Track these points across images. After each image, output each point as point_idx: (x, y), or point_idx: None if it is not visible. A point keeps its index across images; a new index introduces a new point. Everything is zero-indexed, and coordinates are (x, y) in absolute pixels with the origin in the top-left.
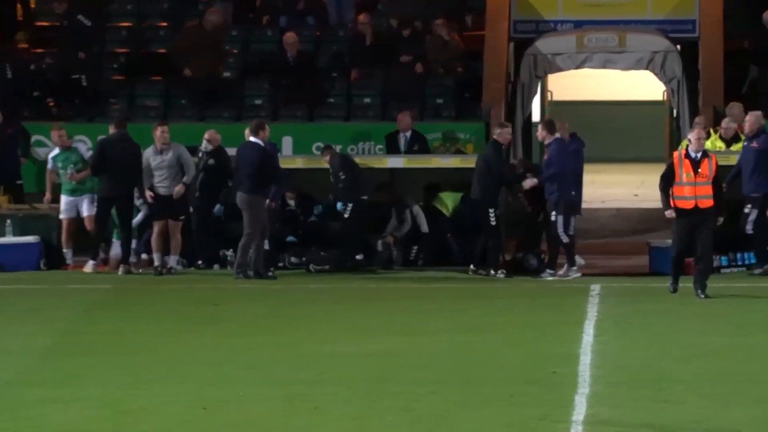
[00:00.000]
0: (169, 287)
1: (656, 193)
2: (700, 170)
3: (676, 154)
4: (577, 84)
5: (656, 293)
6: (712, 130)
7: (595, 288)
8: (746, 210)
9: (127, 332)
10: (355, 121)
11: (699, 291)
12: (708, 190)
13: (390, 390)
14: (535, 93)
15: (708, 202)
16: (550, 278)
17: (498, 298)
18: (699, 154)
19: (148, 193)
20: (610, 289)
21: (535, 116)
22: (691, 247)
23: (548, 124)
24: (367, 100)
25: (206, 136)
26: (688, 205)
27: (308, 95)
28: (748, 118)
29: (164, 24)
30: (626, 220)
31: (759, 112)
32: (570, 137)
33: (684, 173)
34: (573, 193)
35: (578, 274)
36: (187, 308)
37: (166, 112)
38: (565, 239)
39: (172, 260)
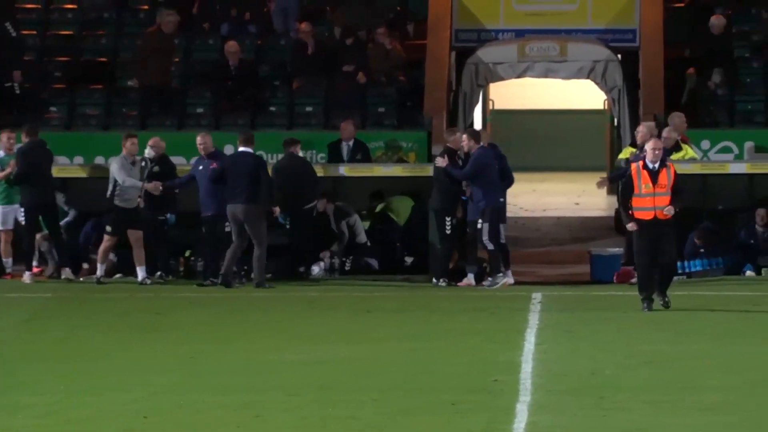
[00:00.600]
0: (111, 296)
1: (597, 202)
2: (658, 181)
3: (633, 166)
4: (518, 93)
5: (597, 301)
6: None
7: (537, 296)
8: None
9: (71, 341)
10: (298, 130)
11: (661, 300)
12: (667, 200)
13: (334, 398)
14: (477, 102)
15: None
16: (488, 286)
17: (441, 307)
18: (657, 165)
19: (155, 185)
20: (551, 297)
21: (477, 125)
22: (653, 258)
23: (473, 134)
24: (309, 108)
25: (150, 143)
26: (648, 216)
27: (250, 104)
28: (639, 128)
29: (103, 33)
30: (567, 229)
31: (652, 123)
32: (489, 147)
33: (642, 184)
34: (501, 200)
35: (509, 282)
36: (130, 317)
37: (108, 121)
38: (490, 246)
39: (141, 272)
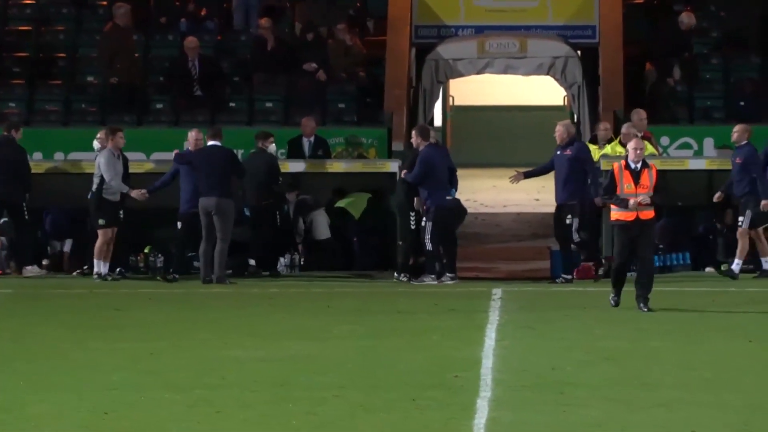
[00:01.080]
0: (69, 292)
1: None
2: (640, 181)
3: (616, 165)
4: (478, 89)
5: (558, 297)
6: (613, 135)
7: (497, 292)
8: (567, 221)
9: (28, 337)
10: (258, 126)
11: (641, 304)
12: (649, 200)
13: (294, 394)
14: (437, 98)
15: (649, 214)
16: (450, 282)
17: (401, 303)
18: (639, 165)
19: (140, 192)
20: (511, 293)
21: (437, 121)
22: (630, 258)
23: (422, 130)
24: (269, 104)
25: (99, 135)
26: (630, 216)
27: (210, 100)
28: (558, 127)
29: (62, 28)
30: (527, 225)
31: (567, 121)
32: (435, 146)
33: (624, 184)
34: (448, 198)
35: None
36: (88, 313)
37: (67, 117)
38: (428, 246)
39: (105, 267)
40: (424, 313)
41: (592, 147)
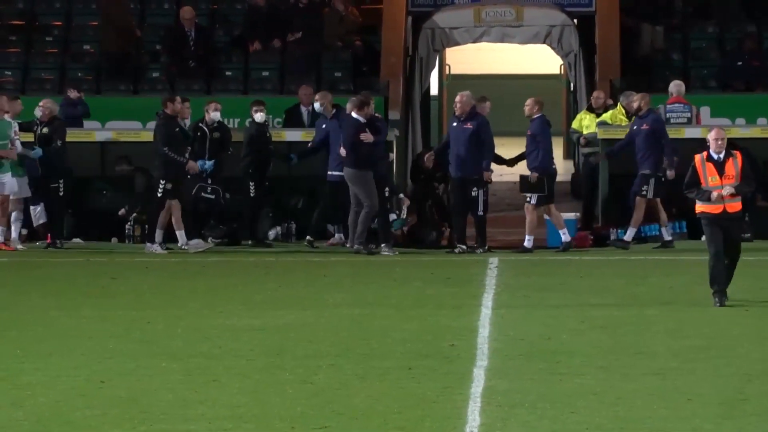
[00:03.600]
0: (66, 260)
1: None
2: (725, 172)
3: (697, 157)
4: (474, 58)
5: (553, 266)
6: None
7: (493, 261)
8: (473, 194)
9: (22, 306)
10: (253, 95)
11: (716, 297)
12: (733, 191)
13: (289, 363)
14: (433, 67)
15: (737, 206)
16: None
17: (396, 272)
18: (722, 155)
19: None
20: (507, 262)
21: (434, 90)
22: (723, 250)
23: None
24: (265, 73)
25: (41, 103)
26: (716, 210)
27: (205, 69)
28: (458, 97)
29: None
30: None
31: (468, 92)
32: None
33: (709, 177)
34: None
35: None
36: (83, 282)
37: (62, 85)
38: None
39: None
40: (419, 281)
41: (588, 115)
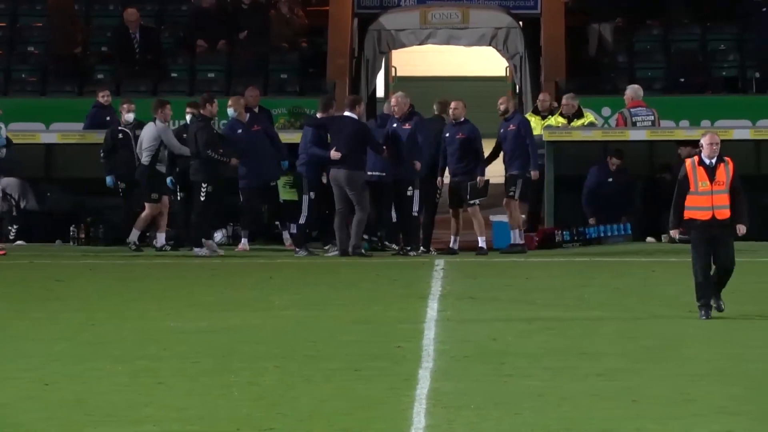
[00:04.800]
0: (11, 263)
1: (499, 169)
2: (716, 178)
3: (688, 161)
4: (421, 60)
5: (499, 268)
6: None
7: (439, 263)
8: (408, 193)
9: None
10: (200, 96)
11: (714, 303)
12: (725, 199)
13: (235, 365)
14: (380, 69)
15: (725, 213)
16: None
17: (343, 274)
18: (713, 161)
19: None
20: (453, 263)
21: (380, 92)
22: (710, 260)
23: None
24: (211, 75)
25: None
26: (705, 216)
27: (152, 70)
28: (393, 99)
29: None
30: None
31: (401, 93)
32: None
33: (699, 182)
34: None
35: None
36: (29, 284)
37: (7, 87)
38: (303, 220)
39: (163, 238)
40: (366, 283)
41: (533, 118)
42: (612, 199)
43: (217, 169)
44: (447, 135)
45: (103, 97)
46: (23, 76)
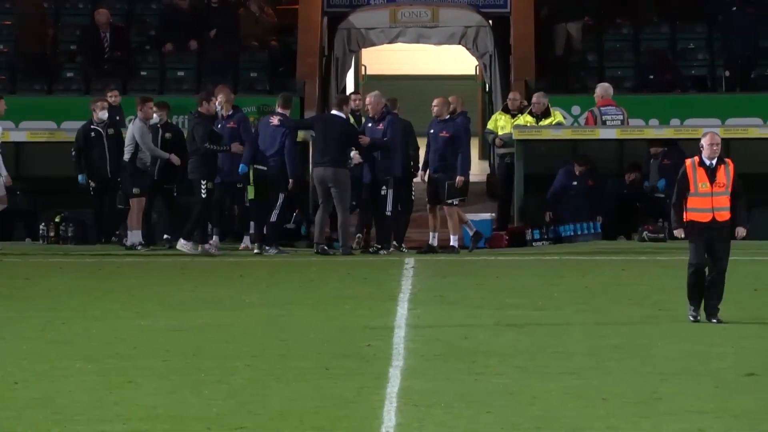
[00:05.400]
0: None
1: (481, 168)
2: (716, 179)
3: (688, 162)
4: (391, 58)
5: (469, 267)
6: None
7: (410, 261)
8: (382, 192)
9: None
10: (169, 95)
11: (710, 316)
12: (725, 201)
13: (205, 364)
14: (350, 67)
15: (725, 215)
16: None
17: (313, 272)
18: (714, 162)
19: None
20: (424, 262)
21: (350, 90)
22: (704, 261)
23: (285, 100)
24: (180, 73)
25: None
26: (705, 218)
27: (121, 69)
28: (369, 98)
29: None
30: None
31: (378, 92)
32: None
33: (699, 183)
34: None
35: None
36: None
37: None
38: (274, 218)
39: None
40: (336, 282)
41: (503, 116)
42: (577, 202)
43: (215, 165)
44: (431, 131)
45: (111, 96)
46: None
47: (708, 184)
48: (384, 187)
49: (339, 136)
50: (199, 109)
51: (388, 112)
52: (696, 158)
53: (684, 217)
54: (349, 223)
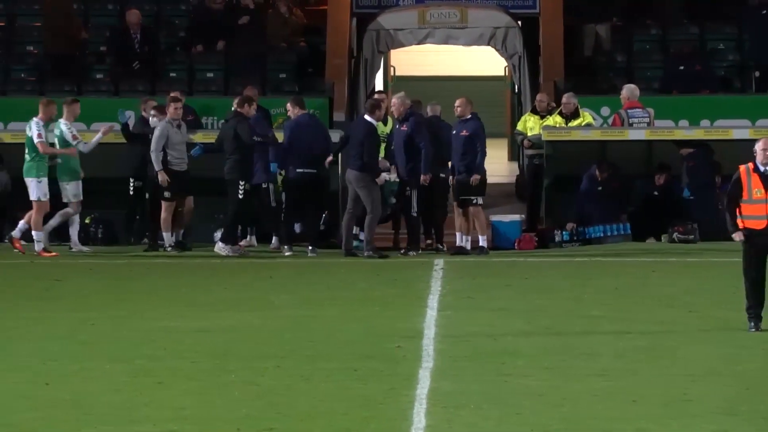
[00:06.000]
0: (9, 262)
1: (498, 168)
2: None
3: (742, 168)
4: (419, 59)
5: (498, 268)
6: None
7: (439, 263)
8: (407, 193)
9: None
10: (198, 96)
11: (751, 321)
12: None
13: (234, 365)
14: (378, 68)
15: None
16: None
17: (341, 273)
18: None
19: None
20: (453, 263)
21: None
22: (762, 271)
23: (297, 101)
24: (209, 74)
25: (152, 110)
26: (760, 225)
27: (150, 70)
28: (394, 100)
29: None
30: None
31: (402, 94)
32: (307, 115)
33: (754, 189)
34: (299, 171)
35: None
36: (28, 283)
37: (5, 86)
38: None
39: (173, 237)
40: (364, 283)
41: (532, 117)
42: (604, 204)
43: (252, 166)
44: (454, 132)
45: (150, 109)
46: (22, 75)
47: (763, 190)
48: (408, 188)
49: (362, 140)
50: (238, 109)
51: (411, 113)
52: (750, 164)
53: (738, 224)
54: (375, 224)
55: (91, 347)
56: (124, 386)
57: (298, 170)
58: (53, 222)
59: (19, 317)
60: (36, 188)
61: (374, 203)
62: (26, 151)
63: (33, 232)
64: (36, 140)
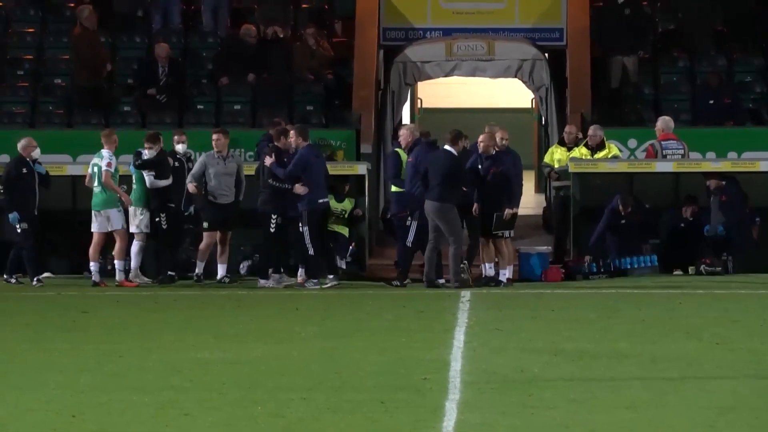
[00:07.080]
0: (37, 294)
1: (525, 200)
2: None
3: None
4: (446, 91)
5: (525, 299)
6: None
7: (466, 294)
8: (407, 223)
9: None
10: (225, 128)
11: None
12: None
13: (261, 396)
14: (405, 100)
15: None
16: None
17: (368, 305)
18: None
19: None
20: (480, 295)
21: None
22: None
23: (302, 130)
24: (237, 107)
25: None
26: None
27: (177, 102)
28: (402, 131)
29: (31, 30)
30: None
31: (412, 125)
32: (313, 146)
33: None
34: (321, 201)
35: (317, 286)
36: (54, 315)
37: (33, 119)
38: (310, 251)
39: (222, 270)
40: (391, 314)
41: (559, 149)
42: (628, 236)
43: (285, 199)
44: (480, 167)
45: (179, 143)
46: (50, 108)
47: None
48: (409, 219)
49: (443, 171)
50: (276, 144)
51: (416, 142)
52: None
53: None
54: (459, 256)
55: (118, 379)
56: (150, 418)
57: (320, 200)
58: (135, 261)
59: (48, 349)
60: (118, 218)
61: (456, 234)
62: (95, 183)
63: (116, 261)
64: (104, 169)
